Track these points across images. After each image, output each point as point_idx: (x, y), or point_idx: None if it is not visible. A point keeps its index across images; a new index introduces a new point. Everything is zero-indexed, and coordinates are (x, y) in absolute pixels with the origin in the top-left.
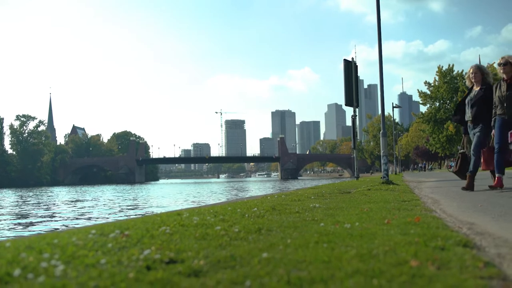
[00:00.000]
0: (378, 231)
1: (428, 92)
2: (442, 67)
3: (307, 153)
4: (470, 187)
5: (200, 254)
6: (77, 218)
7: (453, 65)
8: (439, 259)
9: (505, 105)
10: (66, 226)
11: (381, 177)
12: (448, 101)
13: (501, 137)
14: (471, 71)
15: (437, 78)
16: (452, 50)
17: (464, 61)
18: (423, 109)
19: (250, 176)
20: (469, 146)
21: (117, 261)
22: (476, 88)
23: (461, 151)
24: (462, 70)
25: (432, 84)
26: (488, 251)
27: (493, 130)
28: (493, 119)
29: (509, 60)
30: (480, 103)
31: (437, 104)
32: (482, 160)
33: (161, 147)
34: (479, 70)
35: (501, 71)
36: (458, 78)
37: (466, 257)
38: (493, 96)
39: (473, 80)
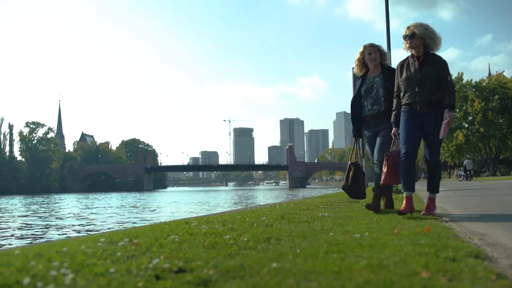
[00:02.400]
0: (388, 241)
1: None
2: (452, 75)
3: (316, 161)
4: (375, 207)
5: (209, 264)
6: (86, 226)
7: (462, 74)
8: (451, 271)
9: (416, 90)
10: (76, 234)
11: None
12: (457, 110)
13: (408, 137)
14: (367, 52)
15: None
16: (462, 59)
17: (474, 69)
18: None
19: (258, 184)
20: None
21: (126, 270)
22: (374, 74)
23: (353, 160)
24: (471, 79)
25: None
26: (500, 262)
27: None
28: (394, 112)
29: (414, 31)
30: (385, 92)
31: None
32: (385, 169)
33: (169, 155)
34: (378, 51)
35: (407, 45)
36: (467, 87)
37: (478, 269)
38: (396, 80)
39: (371, 64)
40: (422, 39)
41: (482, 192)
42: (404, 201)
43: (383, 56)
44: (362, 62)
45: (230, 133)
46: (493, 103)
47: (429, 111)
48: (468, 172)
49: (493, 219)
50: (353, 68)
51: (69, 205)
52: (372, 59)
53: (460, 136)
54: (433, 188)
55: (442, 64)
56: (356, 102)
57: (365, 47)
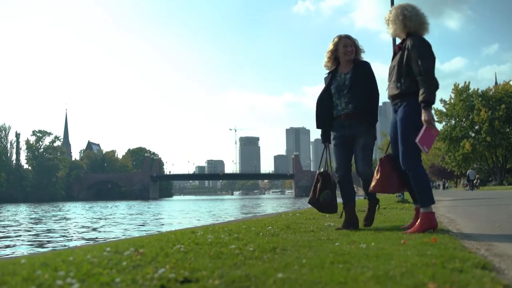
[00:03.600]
0: (394, 252)
1: (444, 110)
2: (458, 84)
3: None
4: (352, 223)
5: (214, 274)
6: (91, 235)
7: (469, 83)
8: (458, 282)
9: (388, 83)
10: (81, 243)
11: (396, 196)
12: (464, 119)
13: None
14: (343, 43)
15: (452, 96)
16: (469, 68)
17: (481, 79)
18: (438, 127)
19: (264, 193)
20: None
21: (131, 280)
22: (346, 70)
23: (322, 169)
24: (478, 88)
25: (447, 102)
26: (507, 273)
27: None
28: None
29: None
30: (361, 88)
31: (453, 122)
32: (377, 175)
33: (175, 164)
34: (354, 44)
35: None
36: (474, 96)
37: (485, 280)
38: None
39: (344, 58)
40: (392, 25)
41: (489, 201)
42: (422, 217)
43: (358, 51)
44: (335, 55)
45: (236, 142)
46: (500, 112)
47: (397, 106)
48: (471, 182)
49: (500, 229)
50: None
51: (75, 213)
52: (348, 52)
53: (467, 145)
54: (420, 199)
55: (414, 47)
56: (324, 100)
57: (340, 37)
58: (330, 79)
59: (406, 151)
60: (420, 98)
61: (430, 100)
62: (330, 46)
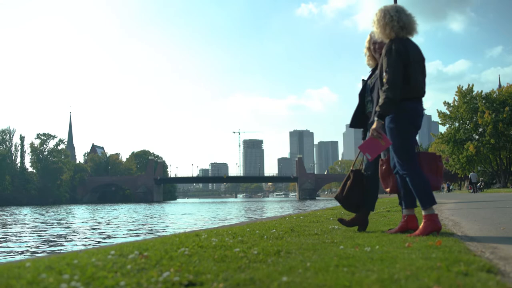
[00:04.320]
0: (399, 255)
1: (448, 112)
2: (462, 87)
3: (325, 173)
4: (361, 223)
5: (219, 277)
6: (96, 238)
7: (472, 85)
8: (463, 285)
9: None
10: (86, 246)
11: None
12: (468, 122)
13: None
14: (372, 41)
15: (456, 98)
16: (472, 70)
17: (485, 81)
18: (442, 129)
19: (268, 196)
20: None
21: (136, 283)
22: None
23: (354, 168)
24: (482, 91)
25: (451, 104)
26: None
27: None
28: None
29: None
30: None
31: (457, 124)
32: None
33: (179, 167)
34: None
35: None
36: (478, 98)
37: (490, 284)
38: None
39: (376, 55)
40: (376, 29)
41: (493, 204)
42: (407, 221)
43: None
44: (371, 52)
45: (239, 145)
46: (504, 115)
47: None
48: (473, 184)
49: (504, 232)
50: (363, 81)
51: (80, 216)
52: (376, 49)
53: (470, 148)
54: (420, 201)
55: (383, 56)
56: (359, 98)
57: (370, 35)
58: (368, 76)
59: (397, 157)
60: (377, 108)
61: (380, 112)
62: (365, 44)
